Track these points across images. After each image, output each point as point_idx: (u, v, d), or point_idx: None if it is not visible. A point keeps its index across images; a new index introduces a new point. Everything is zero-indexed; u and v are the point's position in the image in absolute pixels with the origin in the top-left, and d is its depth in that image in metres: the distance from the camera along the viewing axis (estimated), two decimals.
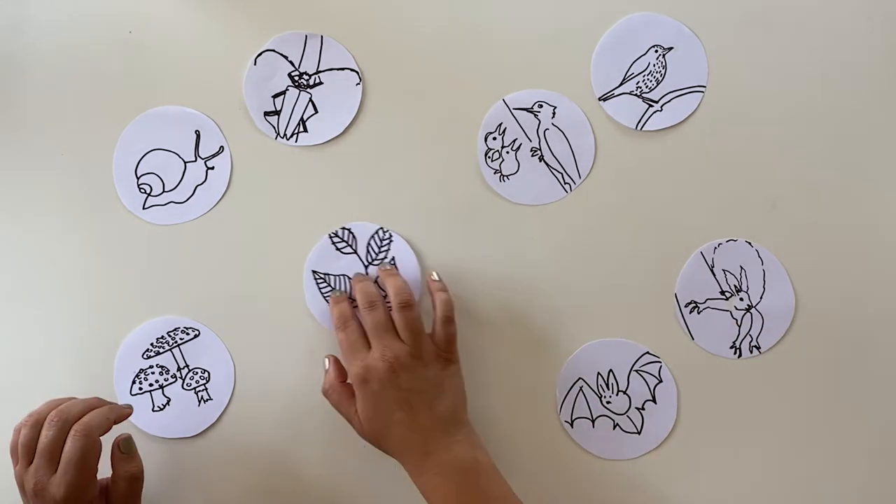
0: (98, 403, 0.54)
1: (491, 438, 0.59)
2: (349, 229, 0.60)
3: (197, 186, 0.60)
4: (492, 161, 0.60)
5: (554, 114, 0.61)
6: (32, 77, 0.61)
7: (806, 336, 0.60)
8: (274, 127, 0.60)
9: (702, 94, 0.61)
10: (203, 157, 0.61)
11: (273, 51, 0.60)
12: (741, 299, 0.61)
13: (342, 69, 0.60)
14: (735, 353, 0.60)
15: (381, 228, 0.60)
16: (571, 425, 0.60)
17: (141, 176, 0.61)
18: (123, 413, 0.55)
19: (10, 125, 0.61)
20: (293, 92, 0.60)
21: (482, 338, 0.60)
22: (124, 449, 0.54)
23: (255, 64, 0.60)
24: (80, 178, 0.61)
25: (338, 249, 0.60)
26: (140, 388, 0.60)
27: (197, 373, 0.60)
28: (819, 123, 0.61)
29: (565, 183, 0.61)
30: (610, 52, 0.61)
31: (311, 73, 0.60)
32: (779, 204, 0.61)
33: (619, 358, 0.60)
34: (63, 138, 0.61)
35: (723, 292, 0.61)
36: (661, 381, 0.60)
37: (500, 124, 0.61)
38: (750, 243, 0.61)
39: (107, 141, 0.61)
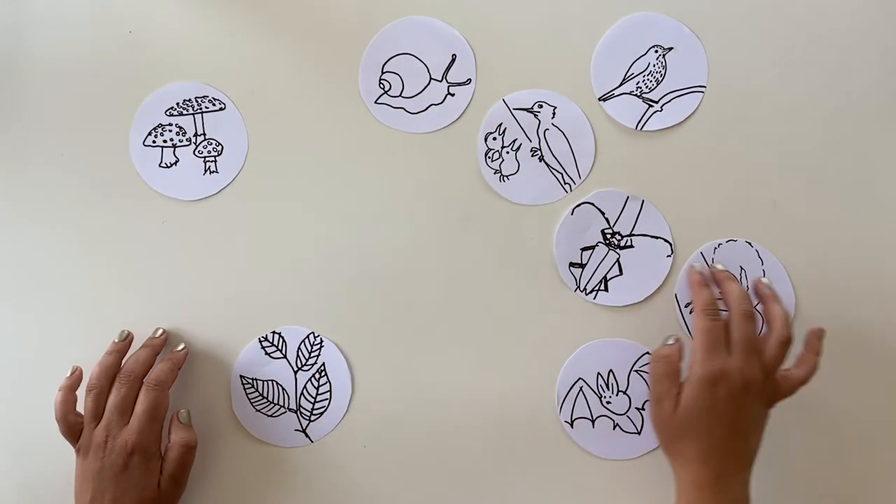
0: (151, 356, 0.57)
1: (491, 438, 0.60)
2: (279, 333, 0.60)
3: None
4: (492, 161, 0.60)
5: (554, 114, 0.61)
6: (32, 77, 0.61)
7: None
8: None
9: (702, 94, 0.61)
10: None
11: (591, 203, 0.60)
12: None
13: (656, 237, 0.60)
14: None
15: (312, 333, 0.60)
16: (571, 425, 0.60)
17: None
18: (179, 358, 0.58)
19: (8, 125, 0.61)
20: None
21: (482, 338, 0.60)
22: (183, 419, 0.58)
23: (571, 214, 0.60)
24: (79, 177, 0.61)
25: (267, 354, 0.60)
26: (153, 141, 0.60)
27: (211, 143, 0.60)
28: (819, 123, 0.61)
29: (565, 183, 0.61)
30: (610, 52, 0.61)
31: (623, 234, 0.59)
32: (779, 204, 0.61)
33: (619, 358, 0.60)
34: (62, 139, 0.61)
35: None
36: None
37: (500, 124, 0.61)
38: (750, 243, 0.60)
39: (107, 141, 0.61)
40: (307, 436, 0.60)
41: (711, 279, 0.58)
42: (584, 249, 0.60)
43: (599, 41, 0.61)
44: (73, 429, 0.55)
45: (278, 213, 0.61)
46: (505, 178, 0.61)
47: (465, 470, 0.60)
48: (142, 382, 0.56)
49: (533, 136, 0.61)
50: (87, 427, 0.55)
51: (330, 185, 0.61)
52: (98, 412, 0.55)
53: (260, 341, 0.60)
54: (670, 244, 0.60)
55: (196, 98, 0.61)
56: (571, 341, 0.60)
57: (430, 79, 0.61)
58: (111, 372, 0.56)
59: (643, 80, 0.61)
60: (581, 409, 0.60)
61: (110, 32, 0.61)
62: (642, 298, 0.60)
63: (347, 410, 0.60)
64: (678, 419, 0.53)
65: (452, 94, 0.60)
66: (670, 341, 0.57)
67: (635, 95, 0.61)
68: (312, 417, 0.60)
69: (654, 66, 0.61)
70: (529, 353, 0.60)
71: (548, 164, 0.61)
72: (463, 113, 0.61)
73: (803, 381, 0.55)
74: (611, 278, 0.60)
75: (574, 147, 0.61)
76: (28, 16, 0.61)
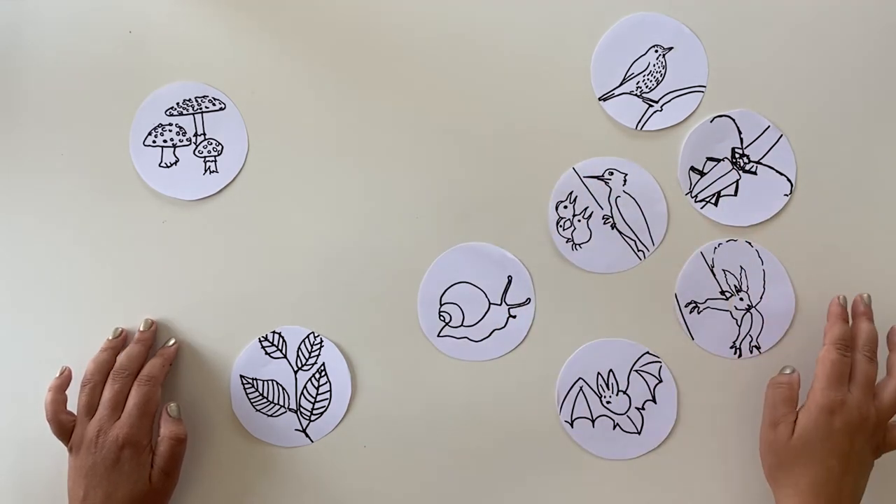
0: (143, 351, 0.58)
1: (491, 438, 0.60)
2: (279, 333, 0.60)
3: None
4: (563, 230, 0.60)
5: (625, 181, 0.61)
6: (32, 77, 0.61)
7: (806, 336, 0.60)
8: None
9: (702, 94, 0.61)
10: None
11: (732, 119, 0.60)
12: (741, 299, 0.60)
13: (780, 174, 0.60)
14: (735, 353, 0.60)
15: (312, 333, 0.60)
16: (571, 425, 0.60)
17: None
18: (170, 353, 0.59)
19: (8, 125, 0.61)
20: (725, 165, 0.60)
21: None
22: (172, 413, 0.57)
23: (711, 122, 0.60)
24: (79, 177, 0.61)
25: (267, 354, 0.60)
26: (153, 141, 0.60)
27: (211, 143, 0.60)
28: (819, 123, 0.61)
29: (639, 250, 0.61)
30: (610, 52, 0.61)
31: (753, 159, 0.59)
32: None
33: (619, 358, 0.60)
34: (62, 139, 0.61)
35: (723, 292, 0.61)
36: (661, 381, 0.60)
37: (570, 192, 0.61)
38: (750, 243, 0.61)
39: (107, 141, 0.61)
40: (307, 436, 0.60)
41: (846, 314, 0.58)
42: (709, 159, 0.61)
43: (599, 41, 0.61)
44: (64, 427, 0.55)
45: (278, 213, 0.61)
46: (577, 246, 0.61)
47: (465, 470, 0.60)
48: (135, 378, 0.57)
49: (604, 203, 0.61)
50: (79, 423, 0.55)
51: (330, 184, 0.61)
52: (91, 407, 0.56)
53: (260, 341, 0.60)
54: (791, 185, 0.60)
55: (196, 98, 0.61)
56: (571, 341, 0.60)
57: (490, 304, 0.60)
58: (105, 368, 0.57)
59: (643, 80, 0.61)
60: (581, 409, 0.60)
61: (110, 32, 0.61)
62: (746, 225, 0.60)
63: (347, 410, 0.60)
64: (793, 446, 0.54)
65: (514, 316, 0.60)
66: (788, 370, 0.58)
67: (635, 95, 0.61)
68: (312, 417, 0.60)
69: (654, 65, 0.61)
70: (529, 353, 0.60)
71: (620, 232, 0.61)
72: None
73: None
74: (724, 195, 0.60)
75: (646, 213, 0.61)
76: (28, 15, 0.61)
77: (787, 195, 0.61)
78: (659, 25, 0.61)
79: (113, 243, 0.61)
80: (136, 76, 0.61)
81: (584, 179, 0.61)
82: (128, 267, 0.60)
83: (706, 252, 0.61)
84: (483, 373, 0.60)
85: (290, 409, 0.60)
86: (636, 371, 0.60)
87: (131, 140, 0.61)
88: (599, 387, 0.60)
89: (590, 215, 0.61)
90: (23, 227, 0.61)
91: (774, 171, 0.61)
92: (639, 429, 0.60)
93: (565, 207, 0.60)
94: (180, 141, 0.61)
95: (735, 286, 0.61)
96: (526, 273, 0.60)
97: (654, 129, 0.61)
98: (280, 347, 0.60)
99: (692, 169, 0.61)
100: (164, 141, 0.61)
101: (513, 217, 0.60)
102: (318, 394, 0.60)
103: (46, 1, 0.62)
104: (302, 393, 0.60)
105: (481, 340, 0.60)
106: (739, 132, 0.61)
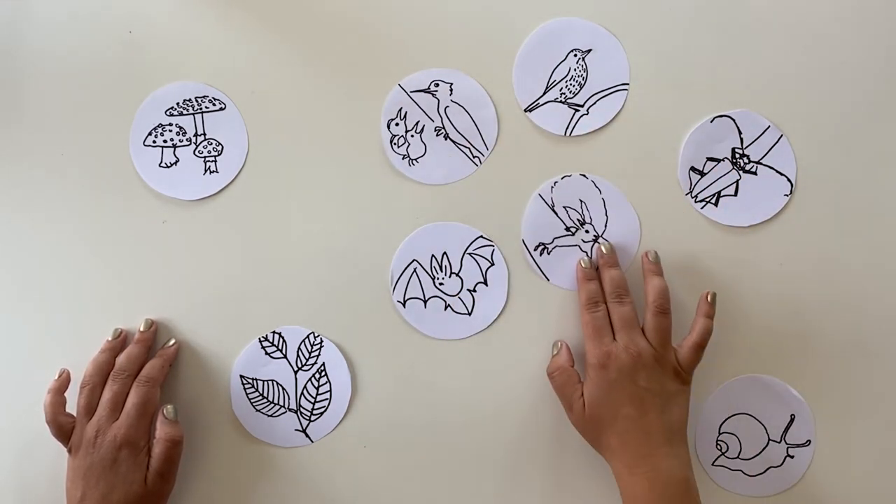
0: (143, 352, 0.58)
1: (491, 437, 0.60)
2: (279, 333, 0.60)
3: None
4: (398, 147, 0.60)
5: (451, 90, 0.61)
6: (32, 77, 0.61)
7: (806, 336, 0.60)
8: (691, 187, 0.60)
9: (626, 91, 0.61)
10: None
11: (732, 119, 0.60)
12: (587, 231, 0.61)
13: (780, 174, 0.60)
14: None
15: (312, 333, 0.60)
16: (404, 305, 0.60)
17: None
18: (170, 353, 0.59)
19: (8, 125, 0.61)
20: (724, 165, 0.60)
21: (481, 336, 0.61)
22: (168, 415, 0.57)
23: (711, 122, 0.60)
24: (79, 177, 0.61)
25: (267, 354, 0.60)
26: (154, 141, 0.61)
27: (211, 143, 0.60)
28: (819, 123, 0.61)
29: (474, 157, 0.61)
30: (529, 62, 0.61)
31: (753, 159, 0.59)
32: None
33: (452, 240, 0.60)
34: (62, 139, 0.61)
35: (568, 228, 0.61)
36: (493, 265, 0.60)
37: (399, 109, 0.61)
38: (585, 175, 0.61)
39: (107, 141, 0.61)
40: (307, 436, 0.60)
41: (592, 273, 0.59)
42: (709, 159, 0.61)
43: (517, 53, 0.61)
44: (63, 429, 0.55)
45: (278, 213, 0.61)
46: (413, 161, 0.61)
47: (465, 470, 0.60)
48: (134, 379, 0.57)
49: (434, 115, 0.61)
50: (78, 424, 0.55)
51: (330, 184, 0.61)
52: (90, 408, 0.56)
53: (260, 341, 0.60)
54: (791, 185, 0.60)
55: (196, 98, 0.61)
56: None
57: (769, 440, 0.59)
58: (105, 369, 0.57)
59: (566, 86, 0.61)
60: (414, 290, 0.60)
61: (110, 32, 0.61)
62: (746, 225, 0.61)
63: (347, 410, 0.60)
64: (590, 415, 0.54)
65: (791, 456, 0.59)
66: (555, 350, 0.58)
67: (560, 102, 0.61)
68: (312, 417, 0.60)
69: (574, 70, 0.61)
70: (527, 352, 0.60)
71: (454, 141, 0.61)
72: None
73: (698, 344, 0.55)
74: (724, 196, 0.61)
75: (476, 119, 0.61)
76: (28, 15, 0.62)
77: (787, 195, 0.61)
78: (574, 30, 0.61)
79: (113, 243, 0.61)
80: (136, 76, 0.61)
81: (410, 94, 0.61)
82: (128, 267, 0.60)
83: (544, 193, 0.61)
84: (483, 373, 0.60)
85: (290, 409, 0.60)
86: (469, 254, 0.60)
87: (131, 140, 0.61)
88: (433, 269, 0.60)
89: (422, 129, 0.61)
90: (22, 226, 0.61)
91: (774, 171, 0.61)
92: (469, 310, 0.60)
93: (397, 125, 0.61)
94: (180, 141, 0.61)
95: (578, 220, 0.61)
96: (810, 413, 0.59)
97: (584, 133, 0.61)
98: (280, 347, 0.60)
99: (692, 169, 0.61)
100: (165, 141, 0.61)
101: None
102: (318, 394, 0.60)
103: (46, 1, 0.62)
104: (302, 393, 0.60)
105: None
106: (739, 132, 0.61)
